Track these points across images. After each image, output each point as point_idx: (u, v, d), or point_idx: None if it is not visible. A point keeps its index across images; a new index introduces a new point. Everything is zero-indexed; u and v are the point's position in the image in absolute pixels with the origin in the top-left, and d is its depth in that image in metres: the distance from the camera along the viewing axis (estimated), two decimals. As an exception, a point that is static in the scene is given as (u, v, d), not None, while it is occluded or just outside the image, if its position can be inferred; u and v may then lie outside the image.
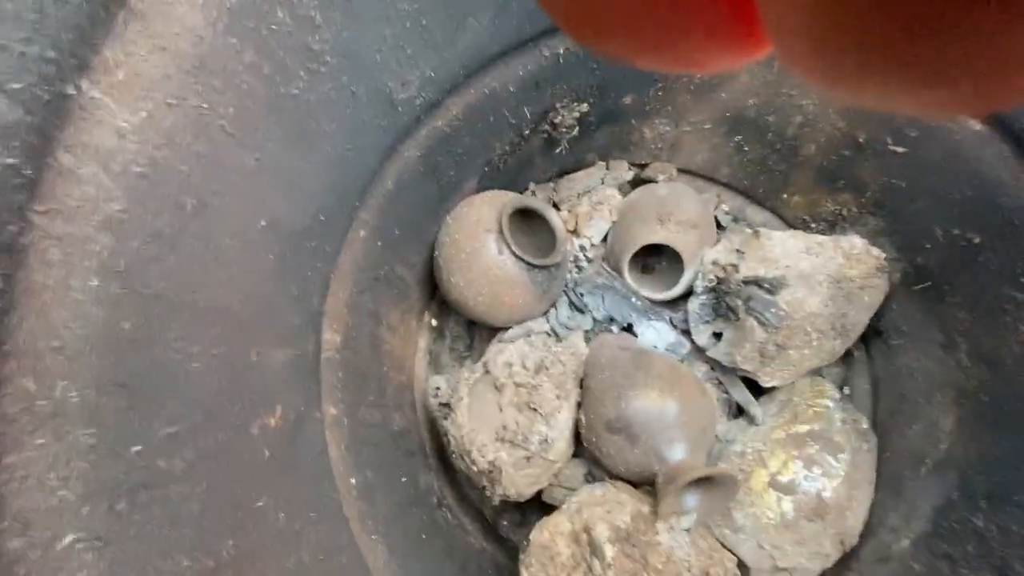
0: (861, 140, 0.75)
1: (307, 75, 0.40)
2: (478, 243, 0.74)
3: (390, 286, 0.72)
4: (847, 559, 0.71)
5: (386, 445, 0.66)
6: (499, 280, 0.75)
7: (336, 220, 0.52)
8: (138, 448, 0.28)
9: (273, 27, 0.37)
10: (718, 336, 0.81)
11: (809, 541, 0.68)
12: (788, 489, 0.70)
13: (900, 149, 0.71)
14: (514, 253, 0.73)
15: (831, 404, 0.76)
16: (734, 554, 0.68)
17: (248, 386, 0.38)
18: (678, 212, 0.85)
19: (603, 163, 0.95)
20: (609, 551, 0.60)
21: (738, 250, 0.79)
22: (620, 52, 0.09)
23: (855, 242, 0.76)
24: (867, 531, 0.73)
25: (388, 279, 0.70)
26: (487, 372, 0.78)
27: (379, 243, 0.62)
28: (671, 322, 0.87)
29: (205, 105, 0.32)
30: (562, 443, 0.75)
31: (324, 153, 0.46)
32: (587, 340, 0.85)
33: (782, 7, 0.07)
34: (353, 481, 0.52)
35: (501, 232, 0.73)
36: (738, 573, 0.66)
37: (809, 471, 0.70)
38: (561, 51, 0.64)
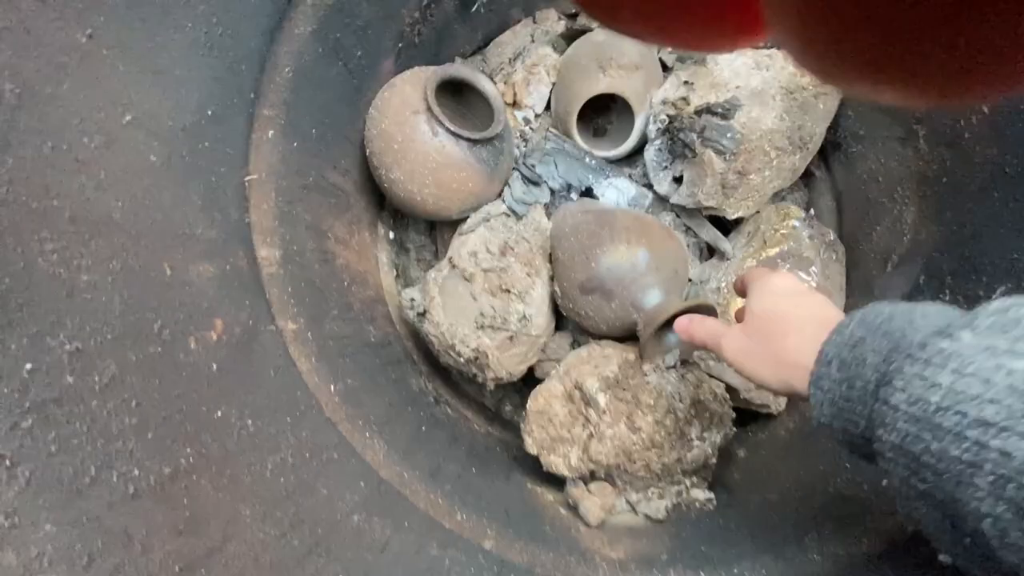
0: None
1: (119, -84, 0.32)
2: (408, 128, 0.67)
3: (325, 195, 0.66)
4: (826, 363, 0.75)
5: (365, 355, 0.64)
6: (441, 165, 0.70)
7: (230, 116, 0.45)
8: (30, 366, 0.25)
9: None
10: (679, 181, 0.78)
11: (790, 353, 0.71)
12: (765, 311, 0.71)
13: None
14: (449, 131, 0.67)
15: (798, 224, 0.76)
16: (721, 381, 0.71)
17: (168, 301, 0.34)
18: (618, 56, 0.78)
19: (529, 18, 0.86)
20: (602, 399, 0.61)
21: (686, 82, 0.74)
22: (627, 29, 0.09)
23: (805, 47, 0.71)
24: (842, 334, 0.76)
25: (320, 187, 0.64)
26: (454, 267, 0.76)
27: (295, 144, 0.56)
28: (630, 177, 0.84)
29: (-20, -43, 0.25)
30: (541, 318, 0.75)
31: (184, 30, 0.38)
32: (548, 215, 0.82)
33: None
34: (332, 388, 0.51)
35: (430, 110, 0.66)
36: (727, 395, 0.68)
37: (783, 289, 0.71)
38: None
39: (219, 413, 0.34)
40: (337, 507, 0.39)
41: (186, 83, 0.39)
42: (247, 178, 0.47)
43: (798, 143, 0.70)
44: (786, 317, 0.42)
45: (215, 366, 0.36)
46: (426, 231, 0.95)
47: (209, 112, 0.42)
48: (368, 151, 0.71)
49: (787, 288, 0.46)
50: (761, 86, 0.68)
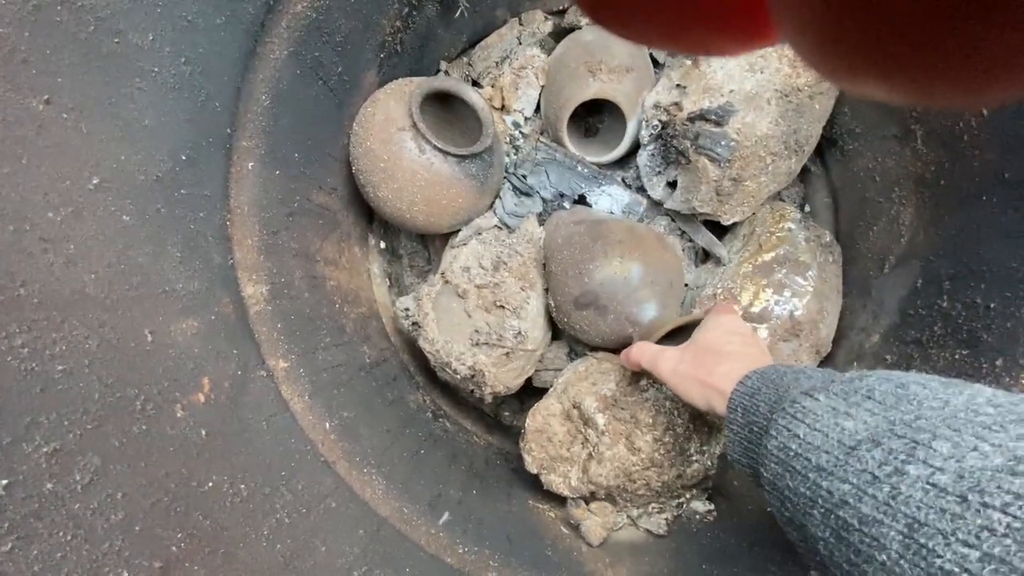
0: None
1: (69, -32, 0.29)
2: (394, 146, 0.65)
3: (312, 218, 0.64)
4: (823, 364, 0.75)
5: (359, 380, 0.64)
6: (429, 183, 0.68)
7: (206, 156, 0.43)
8: (6, 482, 0.24)
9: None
10: (673, 185, 0.77)
11: (787, 359, 0.71)
12: (762, 318, 0.71)
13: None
14: (436, 147, 0.65)
15: (793, 226, 0.75)
16: (719, 390, 0.71)
17: (150, 371, 0.33)
18: (608, 59, 0.76)
19: (515, 19, 0.83)
20: (600, 419, 0.61)
21: (679, 85, 0.72)
22: (636, 36, 0.10)
23: (800, 45, 0.69)
24: (839, 336, 0.76)
25: (306, 211, 0.63)
26: (447, 282, 0.75)
27: (277, 172, 0.54)
28: (624, 182, 0.83)
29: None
30: (537, 331, 0.74)
31: (150, 76, 0.36)
32: (541, 222, 0.80)
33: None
34: (328, 426, 0.50)
35: (416, 127, 0.64)
36: (725, 405, 0.68)
37: (780, 295, 0.71)
38: None
39: (210, 484, 0.34)
40: (337, 564, 0.39)
41: (156, 131, 0.37)
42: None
43: (794, 147, 0.69)
44: (721, 350, 0.49)
45: (204, 432, 0.35)
46: (417, 237, 0.93)
47: (183, 157, 0.40)
48: (354, 168, 0.69)
49: (732, 327, 0.53)
50: (755, 89, 0.66)
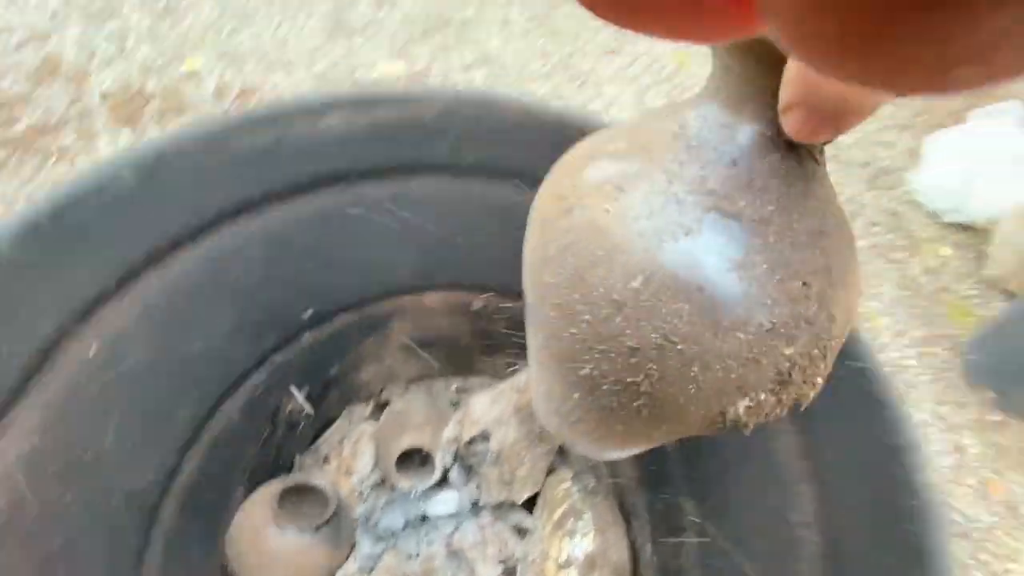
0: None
1: None
2: (261, 541, 0.88)
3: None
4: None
5: None
6: (294, 557, 0.89)
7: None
8: None
9: None
10: (479, 488, 1.08)
11: (600, 591, 0.93)
12: (569, 563, 0.95)
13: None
14: (296, 528, 0.90)
15: (568, 483, 1.08)
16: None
17: None
18: (411, 421, 1.14)
19: (347, 409, 1.21)
20: None
21: (458, 422, 1.11)
22: (618, 20, 0.10)
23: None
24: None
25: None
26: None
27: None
28: (453, 487, 1.11)
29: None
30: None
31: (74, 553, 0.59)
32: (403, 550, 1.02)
33: None
34: None
35: (276, 520, 0.89)
36: None
37: (572, 540, 0.97)
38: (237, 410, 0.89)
39: None
40: None
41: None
42: None
43: (536, 439, 1.07)
44: None
45: None
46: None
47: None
48: (229, 569, 0.89)
49: None
50: (498, 414, 1.07)
